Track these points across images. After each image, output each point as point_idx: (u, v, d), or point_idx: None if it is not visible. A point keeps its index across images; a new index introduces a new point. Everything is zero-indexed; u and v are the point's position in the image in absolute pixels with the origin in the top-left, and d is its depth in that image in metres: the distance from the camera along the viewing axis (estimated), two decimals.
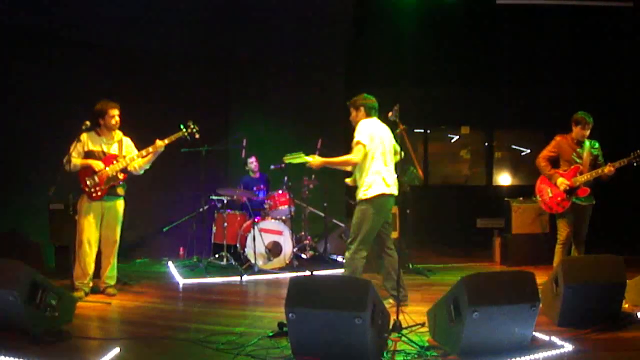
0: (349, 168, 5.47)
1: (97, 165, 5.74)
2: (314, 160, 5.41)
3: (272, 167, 7.96)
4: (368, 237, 5.12)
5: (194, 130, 6.05)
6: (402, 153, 5.46)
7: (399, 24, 9.38)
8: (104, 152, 5.82)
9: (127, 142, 6.04)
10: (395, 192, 5.26)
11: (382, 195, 5.12)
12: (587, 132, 6.16)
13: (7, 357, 3.71)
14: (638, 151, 5.83)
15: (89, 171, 5.71)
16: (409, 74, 9.65)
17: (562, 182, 6.14)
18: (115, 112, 5.83)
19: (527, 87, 9.51)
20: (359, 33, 9.49)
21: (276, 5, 8.81)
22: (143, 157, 5.91)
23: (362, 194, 5.16)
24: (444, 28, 9.39)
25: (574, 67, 9.13)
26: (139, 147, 6.03)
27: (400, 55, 9.56)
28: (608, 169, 5.92)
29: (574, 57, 9.11)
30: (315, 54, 8.97)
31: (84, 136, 5.73)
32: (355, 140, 5.16)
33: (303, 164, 5.47)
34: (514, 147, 10.67)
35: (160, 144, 5.85)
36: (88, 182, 5.70)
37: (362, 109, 5.36)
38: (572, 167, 6.17)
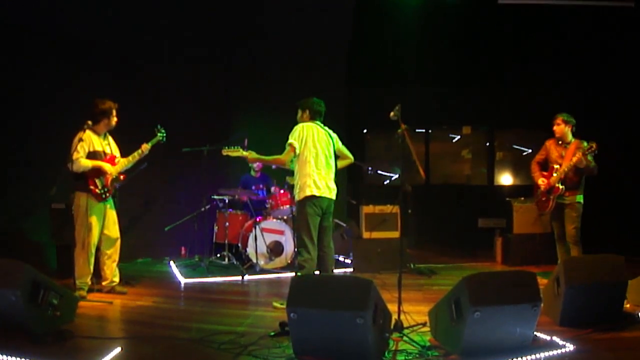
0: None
1: (108, 167, 5.79)
2: (250, 155, 5.65)
3: (273, 166, 7.96)
4: (309, 236, 5.30)
5: (163, 135, 6.15)
6: (352, 157, 5.80)
7: (400, 24, 9.38)
8: (104, 153, 5.85)
9: (112, 141, 6.09)
10: (329, 195, 5.43)
11: (312, 197, 5.31)
12: (561, 128, 6.39)
13: (8, 357, 3.71)
14: (592, 145, 5.99)
15: (98, 172, 5.74)
16: (410, 74, 9.66)
17: (541, 182, 6.46)
18: (115, 112, 5.89)
19: (529, 87, 9.49)
20: (360, 33, 9.48)
21: (277, 5, 8.82)
22: (135, 159, 5.99)
23: (296, 195, 5.45)
24: (445, 28, 9.39)
25: (576, 67, 9.11)
26: (136, 147, 6.08)
27: (402, 55, 9.57)
28: (576, 158, 6.08)
29: (576, 57, 9.09)
30: (316, 54, 8.96)
31: (88, 135, 5.72)
32: (288, 141, 5.40)
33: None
34: (515, 147, 10.66)
35: (147, 147, 5.99)
36: (98, 184, 5.73)
37: (307, 111, 5.62)
38: (553, 167, 6.40)
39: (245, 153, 5.61)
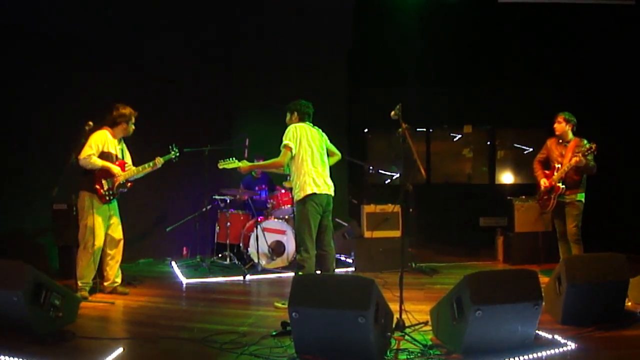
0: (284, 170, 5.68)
1: (117, 170, 5.81)
2: (243, 164, 5.69)
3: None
4: (310, 235, 5.33)
5: (177, 154, 6.21)
6: (340, 153, 5.81)
7: (400, 24, 9.39)
8: (116, 157, 5.87)
9: (125, 148, 6.11)
10: (328, 191, 5.47)
11: (314, 195, 5.35)
12: (562, 127, 6.42)
13: (11, 357, 3.72)
14: (592, 146, 6.00)
15: (107, 174, 5.76)
16: (410, 73, 9.67)
17: (543, 182, 6.52)
18: (134, 119, 5.95)
19: (529, 85, 9.50)
20: (360, 33, 9.50)
21: (277, 5, 8.83)
22: (145, 170, 6.01)
23: (296, 195, 5.47)
24: (446, 27, 9.41)
25: (577, 66, 9.11)
26: (137, 147, 6.12)
27: (402, 55, 9.58)
28: (575, 160, 6.10)
29: (577, 56, 9.10)
30: (317, 54, 8.98)
31: (105, 135, 5.75)
32: (282, 143, 5.42)
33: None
34: (516, 145, 10.66)
35: (160, 161, 6.02)
36: (105, 185, 5.74)
37: (295, 113, 5.65)
38: (554, 167, 6.44)
39: (239, 164, 5.64)
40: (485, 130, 10.71)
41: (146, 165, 5.98)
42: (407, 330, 4.41)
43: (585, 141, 6.22)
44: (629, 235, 7.69)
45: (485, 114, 10.21)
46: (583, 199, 6.31)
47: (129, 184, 5.98)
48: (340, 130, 8.73)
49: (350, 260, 7.87)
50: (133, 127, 5.94)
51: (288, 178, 5.67)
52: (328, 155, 5.69)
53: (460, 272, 6.48)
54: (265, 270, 7.31)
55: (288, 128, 5.49)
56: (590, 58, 9.01)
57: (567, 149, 6.33)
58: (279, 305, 5.36)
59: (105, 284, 5.98)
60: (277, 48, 8.95)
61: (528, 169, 7.11)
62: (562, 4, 8.92)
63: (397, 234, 7.46)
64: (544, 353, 3.88)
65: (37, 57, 7.45)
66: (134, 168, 5.99)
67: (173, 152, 6.18)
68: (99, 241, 5.73)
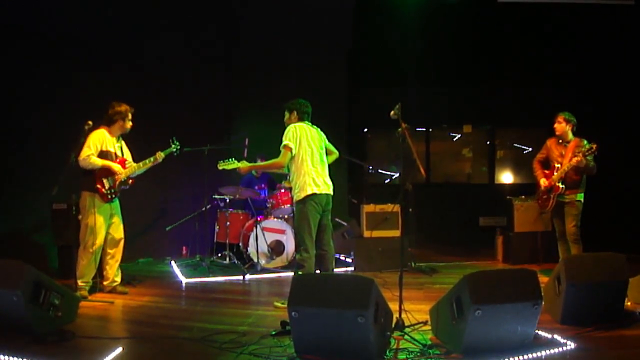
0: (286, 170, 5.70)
1: (118, 168, 5.80)
2: (243, 165, 5.68)
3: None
4: (309, 235, 5.34)
5: (177, 147, 6.22)
6: (337, 152, 5.80)
7: (400, 24, 9.40)
8: (116, 155, 5.87)
9: (124, 145, 6.10)
10: (327, 190, 5.47)
11: (314, 195, 5.35)
12: (562, 127, 6.43)
13: (10, 357, 3.72)
14: (593, 147, 6.00)
15: (108, 172, 5.75)
16: (410, 73, 9.68)
17: (543, 182, 6.54)
18: (131, 116, 5.93)
19: (529, 85, 9.51)
20: (360, 33, 9.51)
21: (277, 6, 8.83)
22: (146, 165, 5.99)
23: (296, 195, 5.46)
24: (446, 27, 9.41)
25: (576, 66, 9.11)
26: (137, 147, 6.12)
27: (402, 55, 9.59)
28: (576, 160, 6.11)
29: (576, 55, 9.10)
30: (317, 54, 8.98)
31: (102, 134, 5.75)
32: (282, 144, 5.40)
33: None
34: (516, 145, 10.66)
35: (161, 155, 6.00)
36: (106, 184, 5.74)
37: (295, 112, 5.63)
38: (554, 166, 6.46)
39: (238, 164, 5.64)
40: (485, 130, 10.72)
41: (147, 160, 5.98)
42: (407, 329, 4.41)
43: (586, 141, 6.22)
44: (629, 235, 7.68)
45: (485, 114, 10.21)
46: (582, 199, 6.32)
47: (131, 180, 5.98)
48: (340, 130, 8.74)
49: (349, 260, 7.87)
50: (130, 123, 5.92)
51: (288, 177, 5.66)
52: (326, 154, 5.69)
53: (459, 272, 6.48)
54: (264, 270, 7.30)
55: (287, 128, 5.48)
56: (590, 58, 9.01)
57: (567, 149, 6.34)
58: (279, 304, 5.37)
59: (105, 283, 5.98)
60: (277, 48, 8.95)
61: (527, 169, 7.10)
62: (562, 4, 8.92)
63: (396, 233, 7.46)
64: (543, 353, 3.88)
65: (37, 57, 7.44)
66: (134, 164, 5.99)
67: (174, 146, 6.18)
68: (100, 240, 5.73)
